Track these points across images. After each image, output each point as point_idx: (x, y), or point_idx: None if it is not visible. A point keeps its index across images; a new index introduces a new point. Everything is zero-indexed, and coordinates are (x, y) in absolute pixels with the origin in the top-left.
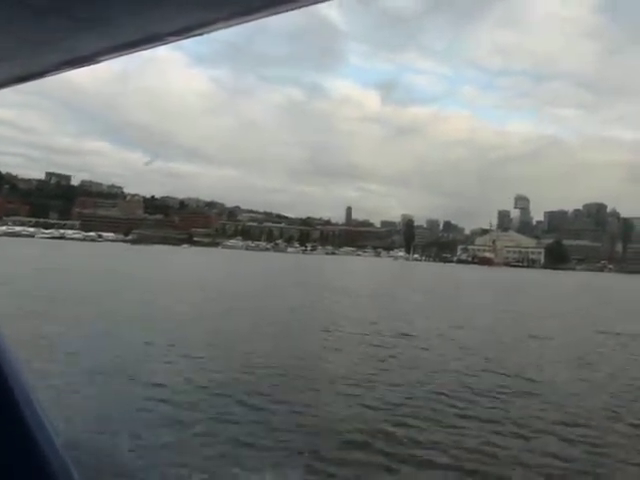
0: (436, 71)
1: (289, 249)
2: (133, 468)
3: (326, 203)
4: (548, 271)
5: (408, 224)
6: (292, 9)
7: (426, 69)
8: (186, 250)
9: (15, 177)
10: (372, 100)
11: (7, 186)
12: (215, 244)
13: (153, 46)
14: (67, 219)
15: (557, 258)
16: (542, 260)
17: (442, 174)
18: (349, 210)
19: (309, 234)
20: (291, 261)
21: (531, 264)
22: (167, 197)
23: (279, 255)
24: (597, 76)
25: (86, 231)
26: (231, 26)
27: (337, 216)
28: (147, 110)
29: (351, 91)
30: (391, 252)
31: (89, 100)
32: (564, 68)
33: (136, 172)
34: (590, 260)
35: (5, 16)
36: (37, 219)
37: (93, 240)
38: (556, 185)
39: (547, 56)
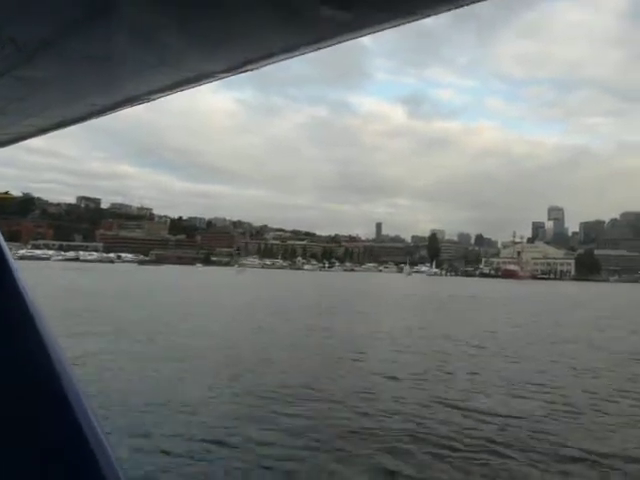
0: (462, 84)
1: (306, 267)
2: None
3: (356, 220)
4: (575, 283)
5: (431, 238)
6: (336, 44)
7: (452, 82)
8: (192, 269)
9: (46, 202)
10: (399, 115)
11: (37, 211)
12: (233, 263)
13: (201, 83)
14: (92, 241)
15: (589, 269)
16: (572, 271)
17: (473, 186)
18: (379, 226)
19: (332, 251)
20: (287, 279)
21: (560, 276)
22: (194, 217)
23: (289, 272)
24: (625, 83)
25: (108, 252)
26: (275, 62)
27: (368, 232)
28: (176, 133)
29: (378, 107)
30: (415, 267)
31: (119, 125)
32: (590, 76)
33: (167, 194)
34: (627, 271)
35: (62, 70)
36: (61, 242)
37: (111, 261)
38: (591, 195)
39: (572, 65)
